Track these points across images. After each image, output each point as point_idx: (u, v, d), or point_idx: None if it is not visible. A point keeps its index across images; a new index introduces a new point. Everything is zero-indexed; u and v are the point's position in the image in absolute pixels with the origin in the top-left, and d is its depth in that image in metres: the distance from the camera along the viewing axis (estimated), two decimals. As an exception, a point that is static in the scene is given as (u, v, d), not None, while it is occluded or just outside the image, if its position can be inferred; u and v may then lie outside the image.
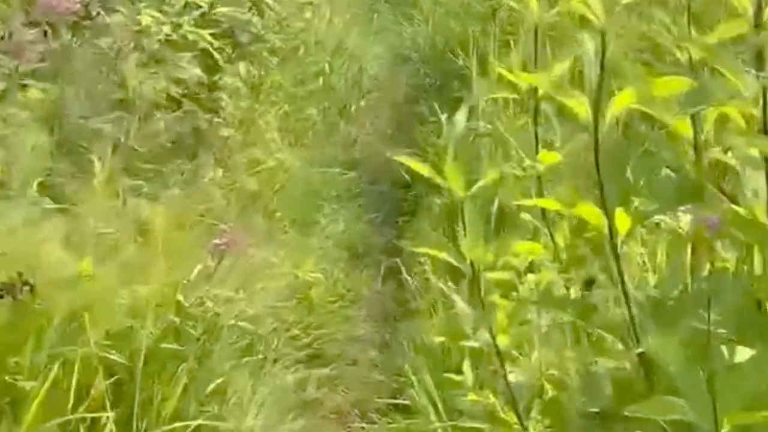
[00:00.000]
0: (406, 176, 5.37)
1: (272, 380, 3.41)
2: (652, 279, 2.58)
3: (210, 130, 4.70)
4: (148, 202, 3.68)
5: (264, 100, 5.44)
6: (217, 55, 4.46)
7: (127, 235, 3.30)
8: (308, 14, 6.17)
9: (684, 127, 1.92)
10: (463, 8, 6.18)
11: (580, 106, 1.64)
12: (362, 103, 6.29)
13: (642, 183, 1.77)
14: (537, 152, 2.05)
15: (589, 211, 1.67)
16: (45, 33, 3.63)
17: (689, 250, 2.46)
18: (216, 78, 4.76)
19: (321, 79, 6.13)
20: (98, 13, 3.83)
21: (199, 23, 4.50)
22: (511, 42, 5.03)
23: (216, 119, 4.84)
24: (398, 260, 4.66)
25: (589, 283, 2.13)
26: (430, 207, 4.46)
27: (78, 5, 3.70)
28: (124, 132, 3.71)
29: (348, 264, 4.67)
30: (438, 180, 1.96)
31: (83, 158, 3.50)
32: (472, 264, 1.96)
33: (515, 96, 2.03)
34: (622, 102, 1.65)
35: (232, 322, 3.07)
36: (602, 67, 1.63)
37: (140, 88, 3.93)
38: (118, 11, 4.05)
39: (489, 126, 4.14)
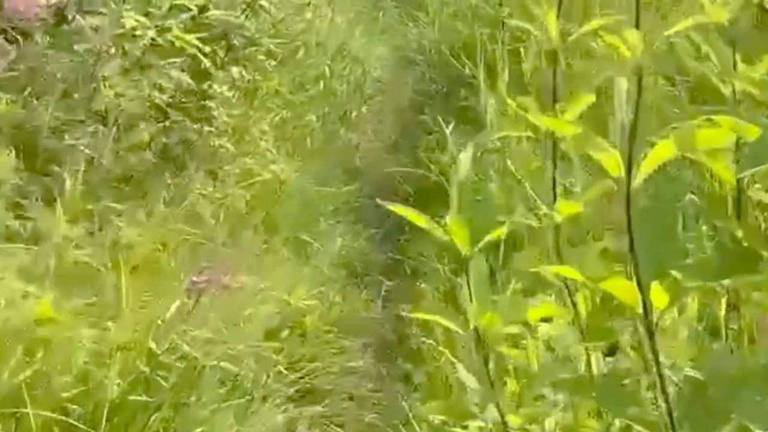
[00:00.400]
0: (409, 189, 5.09)
1: (259, 421, 3.12)
2: (681, 331, 2.28)
3: (200, 141, 4.40)
4: (127, 224, 3.39)
5: (259, 107, 5.14)
6: (207, 61, 4.16)
7: (100, 264, 3.02)
8: (309, 15, 5.86)
9: (728, 176, 1.63)
10: (471, 10, 5.87)
11: (611, 160, 1.35)
12: (364, 109, 5.98)
13: (681, 239, 1.49)
14: (555, 198, 1.76)
15: (621, 287, 1.38)
16: (16, 40, 3.34)
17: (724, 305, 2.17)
18: (207, 84, 4.46)
19: (321, 83, 5.83)
20: (73, 17, 3.52)
21: (188, 27, 4.20)
22: (522, 51, 4.72)
23: (206, 128, 4.55)
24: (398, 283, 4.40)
25: (612, 351, 1.84)
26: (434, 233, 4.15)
27: (51, 8, 3.40)
28: (101, 146, 3.41)
29: (345, 285, 4.38)
30: (440, 234, 1.68)
31: (54, 177, 3.21)
32: (477, 332, 1.68)
33: (531, 135, 1.74)
34: (659, 156, 1.36)
35: (214, 362, 2.78)
36: (637, 113, 1.34)
37: (122, 97, 3.64)
38: (98, 14, 3.75)
39: (498, 143, 3.84)
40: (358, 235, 4.83)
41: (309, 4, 5.79)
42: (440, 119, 4.53)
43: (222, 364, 2.81)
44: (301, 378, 3.45)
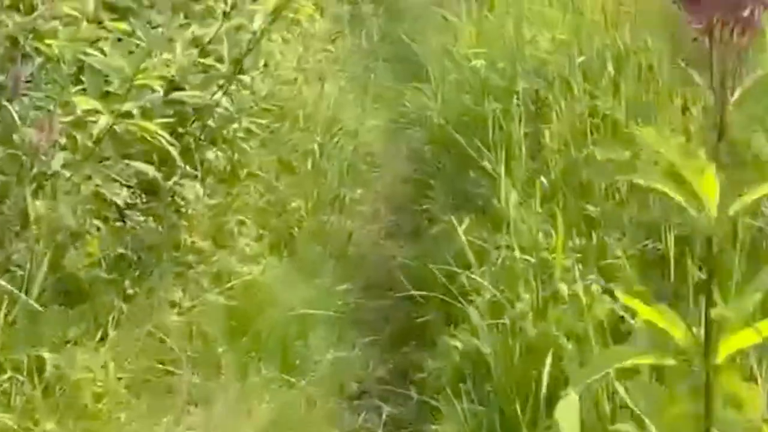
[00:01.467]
0: (412, 288, 4.37)
1: None
2: None
3: (166, 241, 3.72)
4: (66, 364, 2.69)
5: (239, 193, 4.45)
6: (174, 150, 3.46)
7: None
8: (295, 91, 5.18)
9: None
10: (480, 81, 5.19)
11: None
12: (358, 191, 5.30)
13: None
14: None
15: None
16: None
17: None
18: (176, 173, 3.79)
19: (309, 162, 5.14)
20: (10, 101, 2.85)
21: (154, 108, 3.52)
22: (548, 134, 4.03)
23: (176, 222, 3.87)
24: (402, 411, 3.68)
25: None
26: (447, 352, 3.44)
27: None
28: (36, 266, 2.72)
29: (338, 412, 3.67)
30: None
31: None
32: None
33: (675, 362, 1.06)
34: None
35: None
36: None
37: (65, 201, 2.95)
38: (42, 97, 3.08)
39: (531, 258, 3.15)
40: (352, 344, 4.13)
41: (296, 79, 5.11)
42: (454, 219, 3.83)
43: None
44: None
